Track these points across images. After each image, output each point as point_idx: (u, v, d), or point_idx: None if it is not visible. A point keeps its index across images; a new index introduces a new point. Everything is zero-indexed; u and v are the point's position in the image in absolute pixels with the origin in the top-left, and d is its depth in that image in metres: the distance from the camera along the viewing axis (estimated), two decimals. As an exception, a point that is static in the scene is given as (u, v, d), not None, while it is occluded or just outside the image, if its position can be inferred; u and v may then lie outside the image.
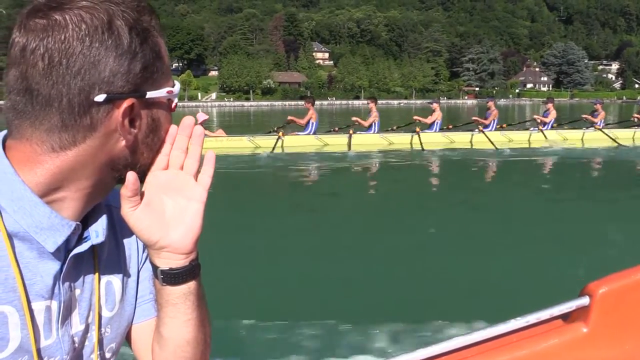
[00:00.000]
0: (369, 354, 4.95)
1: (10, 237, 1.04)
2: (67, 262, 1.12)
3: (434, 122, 22.93)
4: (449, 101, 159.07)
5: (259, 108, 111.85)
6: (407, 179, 16.31)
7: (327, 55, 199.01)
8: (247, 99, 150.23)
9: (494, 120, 23.38)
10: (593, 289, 1.98)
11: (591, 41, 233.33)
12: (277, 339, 5.31)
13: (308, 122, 21.60)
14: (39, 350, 1.09)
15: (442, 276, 7.01)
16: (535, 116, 25.20)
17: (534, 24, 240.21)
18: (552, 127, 23.90)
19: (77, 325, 1.18)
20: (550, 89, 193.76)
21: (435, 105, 23.45)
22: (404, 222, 10.24)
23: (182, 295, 1.19)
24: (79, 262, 1.16)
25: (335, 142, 21.58)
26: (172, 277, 1.17)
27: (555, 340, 1.99)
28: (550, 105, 24.22)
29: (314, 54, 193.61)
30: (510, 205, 12.17)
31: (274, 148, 20.26)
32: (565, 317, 2.05)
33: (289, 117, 21.95)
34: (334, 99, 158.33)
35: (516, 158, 19.66)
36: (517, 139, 23.11)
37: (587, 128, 23.88)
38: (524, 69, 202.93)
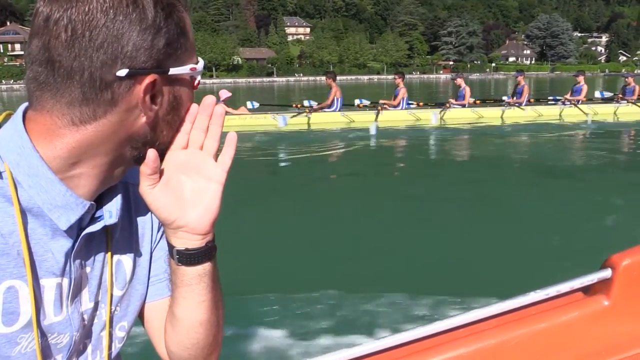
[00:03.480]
0: (387, 326, 5.10)
1: (23, 212, 1.07)
2: (79, 240, 1.15)
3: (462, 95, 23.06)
4: (422, 76, 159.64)
5: (222, 85, 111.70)
6: (433, 156, 16.75)
7: (308, 30, 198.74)
8: (211, 76, 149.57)
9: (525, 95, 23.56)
10: (616, 261, 2.02)
11: (582, 13, 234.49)
12: (286, 310, 5.55)
13: (332, 99, 21.87)
14: (41, 326, 1.14)
15: (462, 249, 7.27)
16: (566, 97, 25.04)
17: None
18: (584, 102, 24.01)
19: (86, 302, 1.22)
20: (533, 62, 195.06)
21: (459, 80, 23.54)
22: (424, 198, 10.56)
23: (197, 276, 1.22)
24: (90, 240, 1.20)
25: (362, 119, 21.78)
26: (188, 258, 1.20)
27: (575, 313, 2.04)
28: (581, 79, 24.20)
29: (295, 29, 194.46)
30: (533, 179, 12.50)
31: (308, 125, 20.95)
32: (586, 290, 2.11)
33: (315, 106, 22.19)
34: (301, 75, 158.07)
35: (546, 134, 20.06)
36: (548, 113, 23.36)
37: (619, 102, 24.05)
38: (507, 42, 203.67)
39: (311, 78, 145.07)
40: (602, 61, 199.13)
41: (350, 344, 1.88)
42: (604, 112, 23.27)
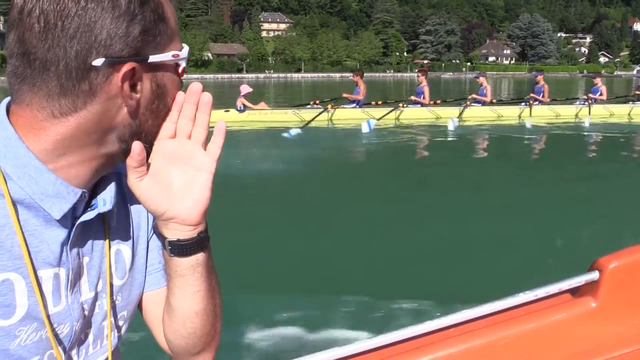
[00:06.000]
0: (377, 326, 5.11)
1: (15, 204, 1.08)
2: (74, 229, 1.16)
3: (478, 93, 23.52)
4: (396, 74, 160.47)
5: (188, 81, 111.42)
6: (445, 157, 16.92)
7: (290, 26, 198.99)
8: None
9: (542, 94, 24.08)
10: (603, 264, 2.12)
11: (568, 13, 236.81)
12: (285, 310, 5.65)
13: (363, 95, 22.31)
14: (48, 317, 1.15)
15: (451, 250, 7.43)
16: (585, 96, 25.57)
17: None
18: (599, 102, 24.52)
19: (86, 292, 1.24)
20: (512, 61, 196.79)
21: (482, 78, 23.94)
22: (420, 198, 10.83)
23: (190, 267, 1.24)
24: (87, 229, 1.21)
25: (378, 116, 21.99)
26: (180, 249, 1.22)
27: (563, 314, 2.14)
28: (598, 80, 24.97)
29: (277, 24, 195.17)
30: (528, 180, 12.77)
31: (329, 120, 21.49)
32: (574, 292, 2.21)
33: (344, 95, 22.79)
34: (271, 71, 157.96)
35: (559, 133, 20.76)
36: (565, 113, 23.82)
37: (634, 103, 24.67)
38: (487, 41, 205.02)
39: (281, 75, 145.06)
40: (584, 62, 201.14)
41: (340, 342, 1.96)
42: (620, 113, 23.87)
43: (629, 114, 23.89)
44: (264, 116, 21.50)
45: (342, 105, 22.33)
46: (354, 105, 22.28)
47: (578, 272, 2.17)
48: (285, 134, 18.84)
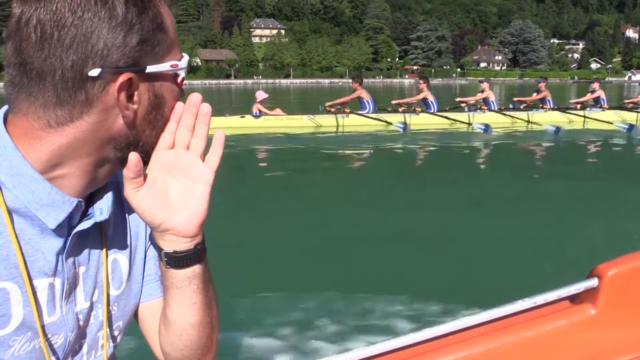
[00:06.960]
0: (374, 333, 5.16)
1: (10, 213, 1.09)
2: (70, 239, 1.17)
3: (485, 99, 23.75)
4: (385, 80, 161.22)
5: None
6: (446, 162, 17.08)
7: (283, 32, 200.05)
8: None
9: (548, 100, 24.40)
10: (602, 271, 2.13)
11: (561, 20, 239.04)
12: (282, 313, 5.65)
13: (362, 101, 22.59)
14: (43, 327, 1.15)
15: (449, 256, 7.40)
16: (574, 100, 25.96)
17: (505, 2, 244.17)
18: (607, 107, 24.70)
19: (81, 302, 1.24)
20: (504, 67, 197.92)
21: (484, 84, 24.10)
22: (421, 204, 10.76)
23: (186, 279, 1.25)
24: (83, 239, 1.22)
25: (395, 121, 22.20)
26: (176, 260, 1.23)
27: (562, 321, 2.14)
28: (596, 85, 25.23)
29: (269, 30, 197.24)
30: (527, 187, 12.79)
31: (342, 126, 21.92)
32: (573, 299, 2.21)
33: (327, 103, 22.82)
34: (260, 77, 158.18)
35: (564, 139, 20.74)
36: (576, 119, 23.87)
37: None
38: (479, 47, 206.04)
39: (270, 81, 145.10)
40: (575, 68, 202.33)
41: (335, 351, 1.96)
42: (630, 119, 23.75)
43: (636, 119, 23.94)
44: (279, 122, 21.67)
45: (356, 111, 22.48)
46: (366, 111, 22.52)
47: (577, 279, 2.17)
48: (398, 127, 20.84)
